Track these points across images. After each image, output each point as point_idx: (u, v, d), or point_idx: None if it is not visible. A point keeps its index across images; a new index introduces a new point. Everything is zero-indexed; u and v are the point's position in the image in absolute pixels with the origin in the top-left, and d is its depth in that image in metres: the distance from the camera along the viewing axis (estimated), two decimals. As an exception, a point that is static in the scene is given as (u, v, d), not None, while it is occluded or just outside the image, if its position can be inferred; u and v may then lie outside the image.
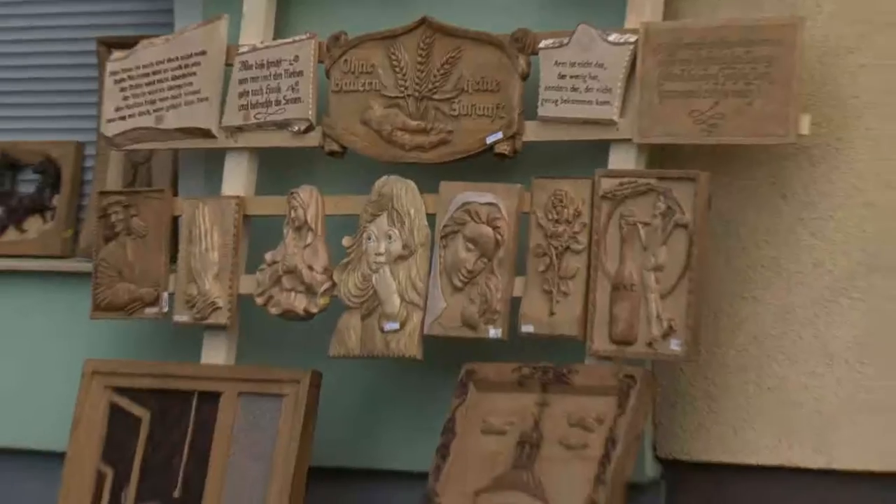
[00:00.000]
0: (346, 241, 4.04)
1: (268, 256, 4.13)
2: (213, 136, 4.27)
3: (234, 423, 4.01)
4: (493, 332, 3.81)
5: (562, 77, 3.74)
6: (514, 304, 3.81)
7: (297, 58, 4.16)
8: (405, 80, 4.03)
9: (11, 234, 4.82)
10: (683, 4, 3.95)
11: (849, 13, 3.75)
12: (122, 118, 4.41)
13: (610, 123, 3.70)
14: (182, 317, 4.23)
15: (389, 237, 3.96)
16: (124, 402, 4.18)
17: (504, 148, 3.80)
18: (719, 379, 3.95)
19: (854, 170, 3.74)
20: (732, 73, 3.60)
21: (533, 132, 3.85)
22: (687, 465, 3.94)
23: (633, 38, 3.69)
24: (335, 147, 4.05)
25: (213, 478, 3.95)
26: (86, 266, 4.48)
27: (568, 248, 3.76)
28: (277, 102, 4.21)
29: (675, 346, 3.57)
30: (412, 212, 3.96)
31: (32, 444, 4.61)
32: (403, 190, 3.95)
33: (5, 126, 4.93)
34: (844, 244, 3.75)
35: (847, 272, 3.72)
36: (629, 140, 3.70)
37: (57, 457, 4.31)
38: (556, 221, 3.76)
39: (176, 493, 4.00)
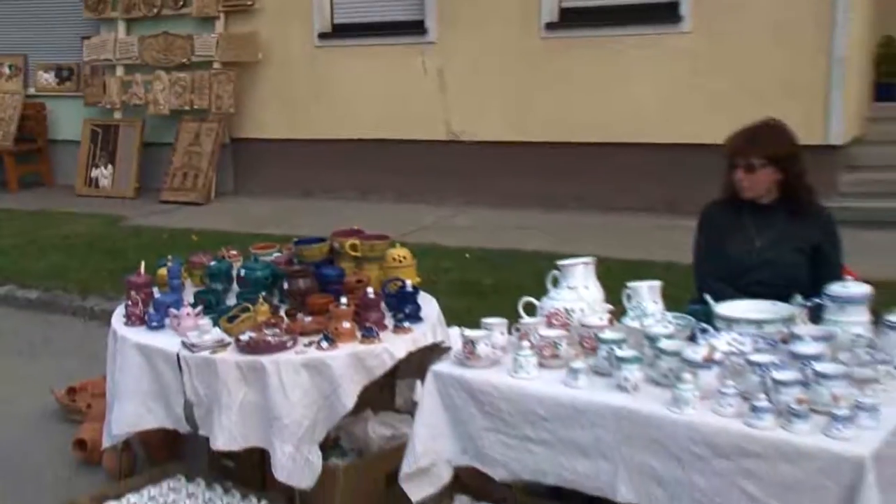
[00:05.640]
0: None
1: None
2: (112, 62, 12.31)
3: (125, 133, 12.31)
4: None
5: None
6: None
7: (132, 43, 12.09)
8: (158, 46, 11.88)
9: (62, 86, 12.80)
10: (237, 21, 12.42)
11: (279, 14, 11.60)
12: (90, 57, 12.37)
13: (212, 58, 12.25)
14: (113, 107, 12.37)
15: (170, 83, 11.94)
16: (96, 128, 12.12)
17: (189, 61, 11.86)
18: (262, 108, 11.60)
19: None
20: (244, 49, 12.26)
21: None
22: (239, 139, 11.67)
23: (216, 37, 11.90)
24: (142, 63, 12.01)
25: (120, 146, 12.20)
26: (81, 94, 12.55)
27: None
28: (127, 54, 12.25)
29: (230, 109, 11.74)
30: (165, 78, 11.81)
31: (73, 138, 12.41)
32: (163, 73, 11.89)
33: (60, 59, 12.74)
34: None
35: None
36: (216, 61, 11.66)
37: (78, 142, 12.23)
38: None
39: (110, 148, 12.06)
